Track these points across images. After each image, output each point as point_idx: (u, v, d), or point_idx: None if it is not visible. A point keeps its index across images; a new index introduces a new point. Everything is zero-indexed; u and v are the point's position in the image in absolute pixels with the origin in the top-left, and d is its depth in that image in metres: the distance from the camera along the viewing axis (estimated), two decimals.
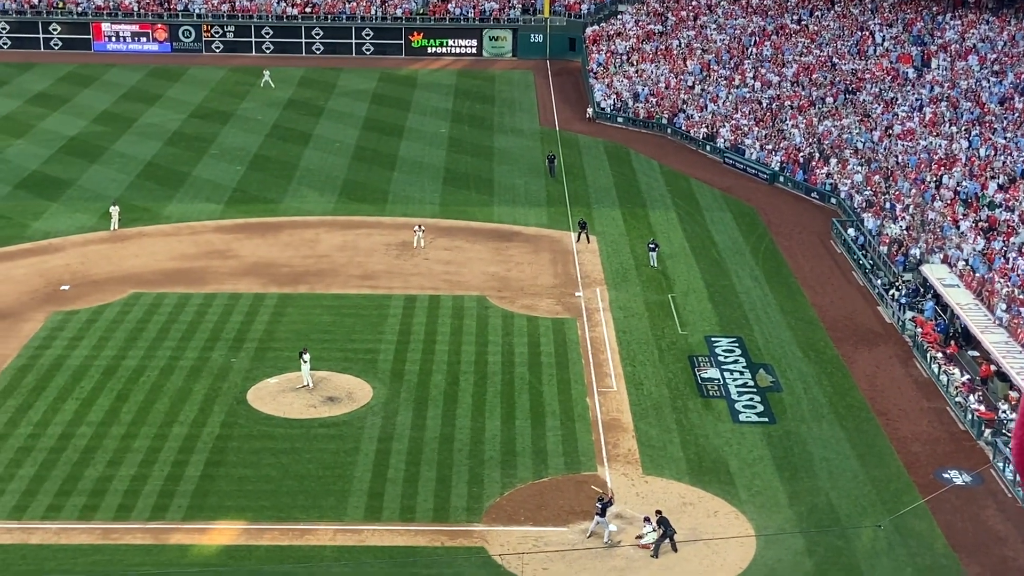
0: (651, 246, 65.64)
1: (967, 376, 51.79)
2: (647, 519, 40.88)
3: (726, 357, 54.89)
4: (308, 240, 69.62)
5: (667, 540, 40.16)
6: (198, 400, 50.00)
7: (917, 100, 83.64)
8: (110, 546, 40.29)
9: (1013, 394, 49.20)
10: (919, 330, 56.25)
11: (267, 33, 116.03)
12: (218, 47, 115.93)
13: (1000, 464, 45.85)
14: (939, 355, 53.71)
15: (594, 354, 54.97)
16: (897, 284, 61.30)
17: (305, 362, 50.61)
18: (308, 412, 49.29)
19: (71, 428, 47.58)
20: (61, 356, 53.82)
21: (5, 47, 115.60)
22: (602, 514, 40.78)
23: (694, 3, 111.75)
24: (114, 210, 70.38)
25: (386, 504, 42.69)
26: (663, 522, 40.18)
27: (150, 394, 50.44)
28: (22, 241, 68.19)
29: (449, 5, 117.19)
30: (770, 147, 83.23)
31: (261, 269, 64.89)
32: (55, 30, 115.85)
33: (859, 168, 76.04)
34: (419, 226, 68.63)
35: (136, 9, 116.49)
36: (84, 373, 52.25)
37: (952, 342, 54.89)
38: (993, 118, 76.75)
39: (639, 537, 40.67)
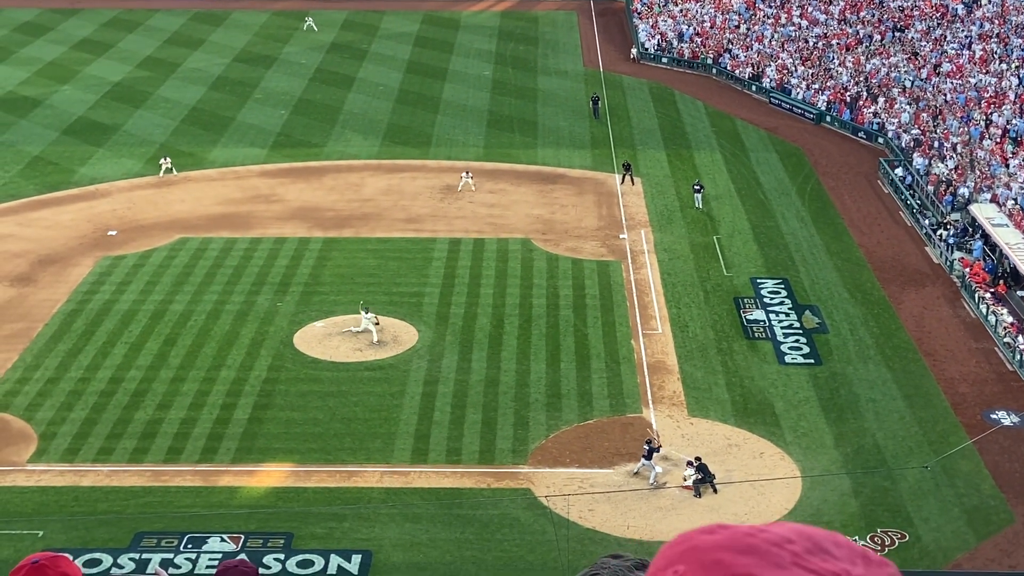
0: (696, 187, 65.09)
1: (1014, 317, 51.12)
2: (690, 463, 40.84)
3: (772, 299, 54.51)
4: (352, 184, 69.62)
5: (707, 484, 40.09)
6: (245, 344, 50.31)
7: (966, 37, 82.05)
8: (160, 488, 40.78)
9: None
10: (967, 271, 55.53)
11: None
12: None
13: None
14: (987, 295, 53.06)
15: (639, 296, 54.77)
16: (945, 224, 60.49)
17: (369, 318, 50.14)
18: (354, 355, 49.47)
19: (120, 372, 48.04)
20: (110, 301, 54.26)
21: None
22: (648, 457, 40.77)
23: None
24: (164, 162, 70.24)
25: (432, 446, 42.89)
26: (702, 468, 40.13)
27: (198, 338, 50.81)
28: (69, 187, 68.65)
29: None
30: (816, 86, 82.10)
31: (306, 213, 64.98)
32: None
33: (907, 107, 74.87)
34: (467, 172, 68.32)
35: None
36: (132, 317, 52.67)
37: (1001, 282, 54.18)
38: None
39: (685, 479, 40.70)
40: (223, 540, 37.95)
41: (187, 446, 42.91)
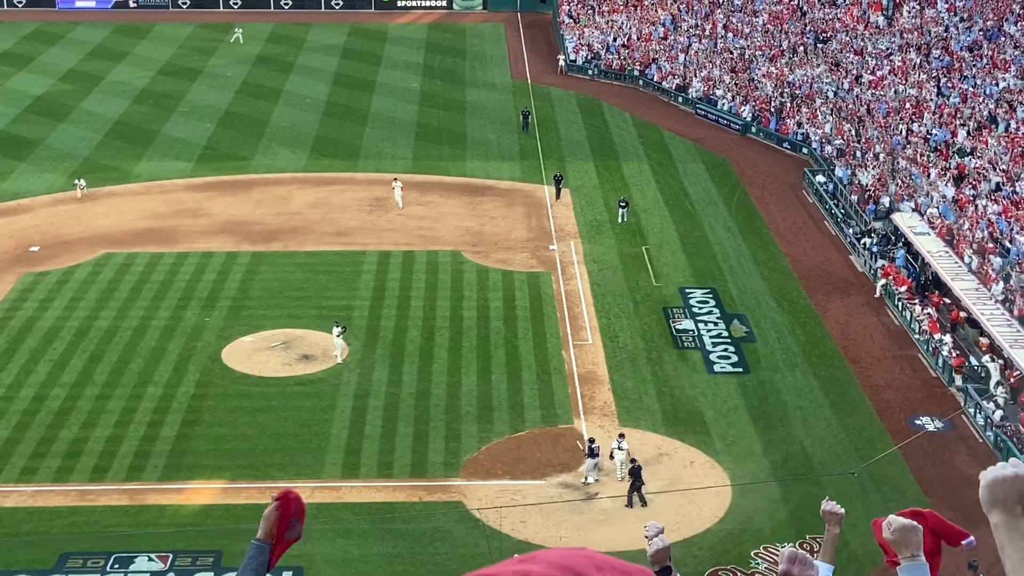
0: (621, 203, 65.21)
1: (929, 312, 51.93)
2: (621, 435, 42.12)
3: (700, 308, 54.93)
4: (280, 197, 69.14)
5: (636, 492, 40.32)
6: (172, 360, 49.73)
7: (887, 48, 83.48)
8: (86, 507, 40.13)
9: (984, 340, 49.45)
10: (890, 279, 56.33)
11: None
12: (184, 3, 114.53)
13: (971, 410, 46.16)
14: (910, 300, 53.87)
15: (569, 307, 54.93)
16: (868, 233, 61.41)
17: (339, 336, 49.51)
18: (283, 370, 49.11)
19: (44, 390, 47.25)
20: (32, 318, 53.37)
21: None
22: (591, 456, 41.03)
23: None
24: (79, 183, 67.98)
25: (363, 460, 42.66)
26: (635, 472, 40.33)
27: (123, 354, 50.13)
28: None
29: None
30: (741, 97, 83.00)
31: (233, 227, 64.43)
32: None
33: (830, 117, 75.94)
34: (396, 179, 68.04)
35: None
36: (56, 334, 51.86)
37: (935, 292, 54.98)
38: (963, 64, 76.71)
39: (612, 456, 41.61)
40: (151, 559, 37.44)
41: (113, 464, 42.29)
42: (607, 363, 49.86)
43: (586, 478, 41.36)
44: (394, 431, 44.52)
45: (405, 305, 54.87)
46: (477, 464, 42.54)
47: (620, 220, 64.36)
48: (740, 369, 49.53)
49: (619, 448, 42.13)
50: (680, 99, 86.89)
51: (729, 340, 51.97)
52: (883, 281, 56.18)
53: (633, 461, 40.76)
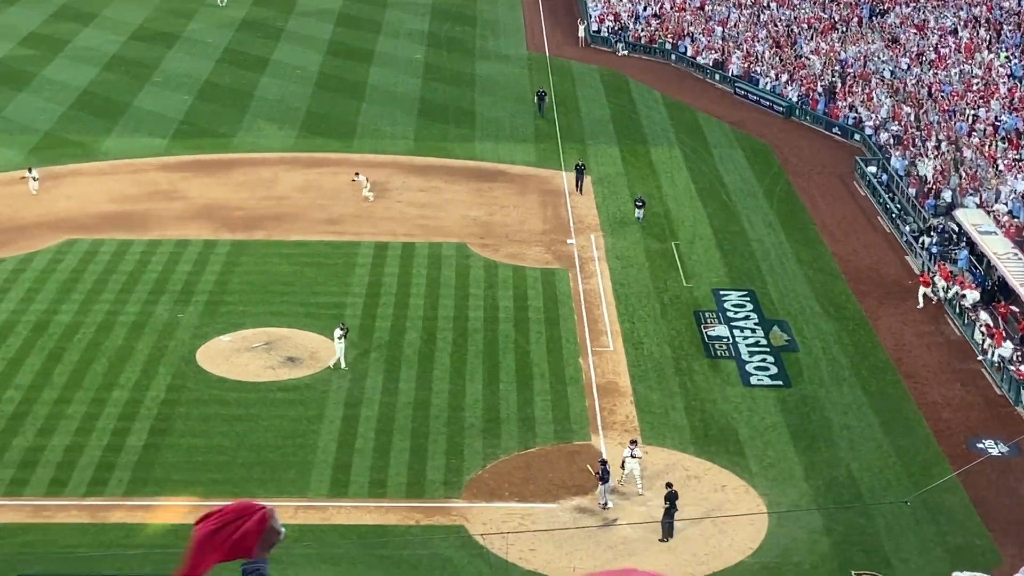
0: (638, 203, 64.55)
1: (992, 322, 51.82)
2: (634, 442, 42.37)
3: (736, 313, 54.89)
4: (265, 180, 69.22)
5: (668, 520, 40.26)
6: (141, 360, 49.82)
7: (952, 23, 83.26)
8: (42, 525, 40.22)
9: None
10: (940, 286, 56.18)
11: None
12: None
13: None
14: (970, 305, 53.73)
15: (588, 309, 54.92)
16: (927, 231, 61.29)
17: (341, 340, 49.31)
18: (265, 374, 49.19)
19: None
20: None
21: None
22: (603, 479, 40.99)
23: None
24: (30, 175, 65.68)
25: (354, 478, 42.71)
26: (670, 498, 40.22)
27: (86, 353, 50.23)
28: None
29: None
30: (786, 76, 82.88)
31: (212, 212, 64.51)
32: None
33: (886, 100, 75.83)
34: (358, 173, 66.98)
35: None
36: (11, 330, 51.98)
37: (1001, 301, 54.85)
38: None
39: (623, 466, 41.89)
40: None
41: (73, 477, 42.39)
42: (630, 373, 49.83)
43: (605, 502, 41.36)
44: (389, 445, 44.55)
45: (403, 303, 54.90)
46: (481, 484, 42.56)
47: (637, 220, 63.68)
48: (780, 382, 49.48)
49: (632, 456, 42.12)
50: (717, 77, 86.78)
51: (768, 349, 51.92)
52: (924, 290, 55.90)
53: (669, 486, 40.62)
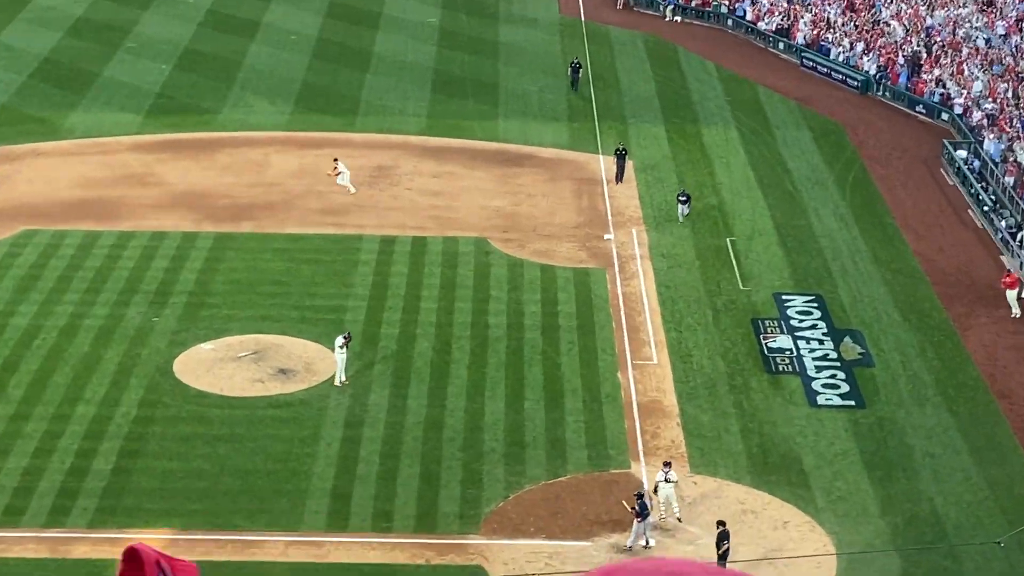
0: (681, 198, 63.93)
1: None
2: (668, 464, 42.44)
3: (801, 321, 54.75)
4: (255, 163, 69.34)
5: (722, 563, 40.21)
6: (109, 371, 49.96)
7: None
8: None
9: None
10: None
11: None
12: None
13: None
14: None
15: (628, 315, 54.87)
16: None
17: (342, 349, 49.25)
18: (253, 388, 49.28)
19: None
20: None
21: None
22: (642, 515, 40.91)
23: None
24: None
25: (355, 509, 42.74)
26: (722, 537, 40.18)
27: (47, 362, 50.38)
28: None
29: None
30: (862, 45, 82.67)
31: (193, 200, 64.67)
32: None
33: (979, 73, 75.57)
34: (336, 160, 66.45)
35: None
36: None
37: None
38: None
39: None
40: None
41: (30, 505, 42.53)
42: (676, 390, 49.75)
43: (646, 542, 41.27)
44: (395, 471, 44.57)
45: (413, 307, 54.93)
46: (503, 517, 42.54)
47: (680, 218, 63.32)
48: (852, 402, 49.33)
49: (665, 481, 42.04)
50: (781, 45, 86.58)
51: (838, 364, 51.76)
52: (1011, 293, 55.60)
53: (721, 524, 40.56)
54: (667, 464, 42.92)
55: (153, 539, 41.02)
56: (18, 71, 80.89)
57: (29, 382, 49.18)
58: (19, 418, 47.00)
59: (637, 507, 41.20)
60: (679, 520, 42.04)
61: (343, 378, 49.37)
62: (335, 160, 66.48)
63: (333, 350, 49.73)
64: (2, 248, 59.17)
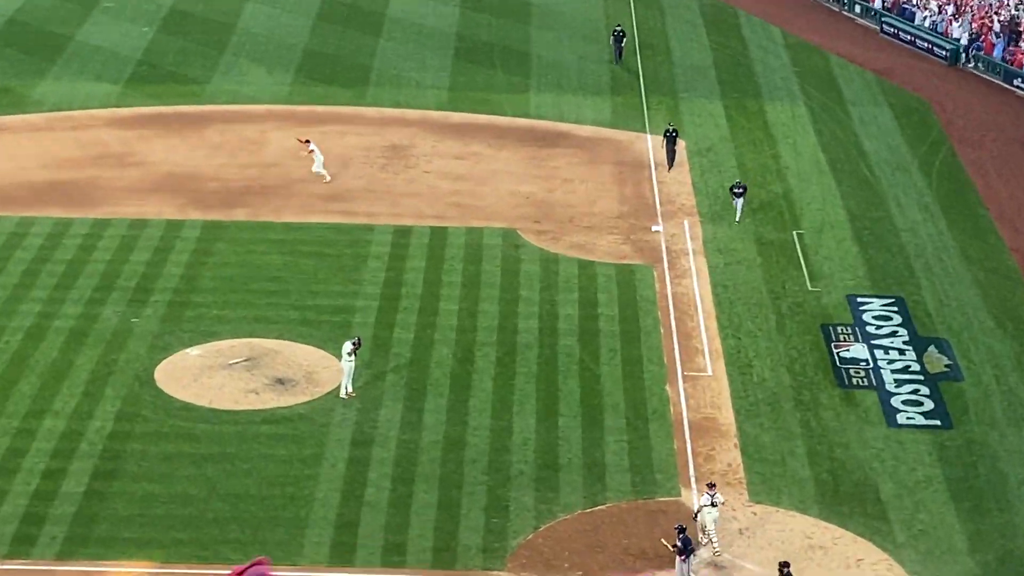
0: (736, 189, 63.57)
1: None
2: (712, 485, 42.43)
3: (879, 327, 54.72)
4: (249, 140, 69.53)
5: None
6: (82, 379, 50.13)
7: None
8: None
9: None
10: None
11: None
12: None
13: None
14: None
15: (678, 319, 54.90)
16: None
17: (351, 357, 49.67)
18: (247, 400, 49.42)
19: None
20: None
21: None
22: (684, 553, 40.93)
23: None
24: None
25: (362, 540, 42.84)
26: None
27: (10, 369, 50.60)
28: None
29: None
30: (952, 9, 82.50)
31: (178, 183, 64.88)
32: None
33: None
34: (307, 141, 66.21)
35: None
36: None
37: None
38: None
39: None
40: None
41: None
42: (734, 406, 49.76)
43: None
44: (409, 498, 44.67)
45: (431, 308, 55.05)
46: (533, 551, 42.62)
47: (736, 217, 62.89)
48: (937, 421, 49.28)
49: (711, 505, 41.95)
50: (858, 9, 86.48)
51: (922, 377, 51.73)
52: None
53: (785, 566, 40.53)
54: (711, 485, 42.95)
55: (130, 573, 41.27)
56: None
57: None
58: None
59: (679, 542, 41.15)
60: (716, 552, 41.99)
61: (350, 389, 49.56)
62: (306, 141, 66.19)
63: (340, 358, 49.88)
64: None
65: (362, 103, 74.03)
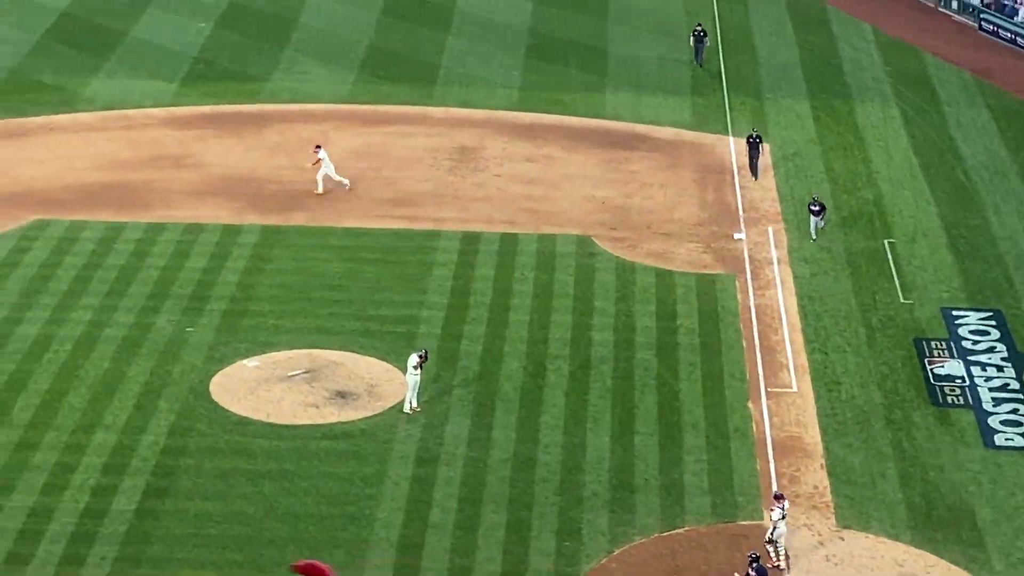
0: (814, 206, 62.45)
1: None
2: (780, 497, 42.31)
3: (976, 342, 54.38)
4: (309, 142, 69.71)
5: None
6: (134, 391, 50.37)
7: None
8: None
9: None
10: None
11: None
12: None
13: None
14: None
15: (762, 333, 54.72)
16: None
17: (416, 371, 49.57)
18: (306, 415, 49.52)
19: None
20: None
21: None
22: None
23: None
24: None
25: (426, 563, 42.84)
26: None
27: (59, 381, 50.87)
28: None
29: None
30: None
31: (235, 186, 65.14)
32: None
33: None
34: (318, 148, 65.75)
35: None
36: None
37: None
38: None
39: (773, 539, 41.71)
40: None
41: (37, 552, 42.95)
42: (821, 425, 49.52)
43: None
44: (477, 519, 44.65)
45: (501, 320, 55.05)
46: None
47: (813, 235, 62.06)
48: None
49: (783, 518, 41.71)
50: (955, 5, 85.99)
51: (1021, 396, 51.36)
52: None
53: (754, 560, 40.47)
54: (779, 497, 42.69)
55: None
56: (30, 29, 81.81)
57: (38, 404, 49.66)
58: (26, 447, 47.45)
59: (752, 571, 40.98)
60: (780, 568, 41.74)
61: (415, 404, 49.59)
62: (317, 147, 65.67)
63: (404, 371, 49.90)
64: (8, 242, 59.86)
65: (429, 103, 74.15)
